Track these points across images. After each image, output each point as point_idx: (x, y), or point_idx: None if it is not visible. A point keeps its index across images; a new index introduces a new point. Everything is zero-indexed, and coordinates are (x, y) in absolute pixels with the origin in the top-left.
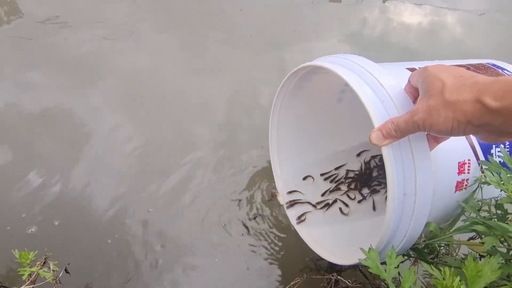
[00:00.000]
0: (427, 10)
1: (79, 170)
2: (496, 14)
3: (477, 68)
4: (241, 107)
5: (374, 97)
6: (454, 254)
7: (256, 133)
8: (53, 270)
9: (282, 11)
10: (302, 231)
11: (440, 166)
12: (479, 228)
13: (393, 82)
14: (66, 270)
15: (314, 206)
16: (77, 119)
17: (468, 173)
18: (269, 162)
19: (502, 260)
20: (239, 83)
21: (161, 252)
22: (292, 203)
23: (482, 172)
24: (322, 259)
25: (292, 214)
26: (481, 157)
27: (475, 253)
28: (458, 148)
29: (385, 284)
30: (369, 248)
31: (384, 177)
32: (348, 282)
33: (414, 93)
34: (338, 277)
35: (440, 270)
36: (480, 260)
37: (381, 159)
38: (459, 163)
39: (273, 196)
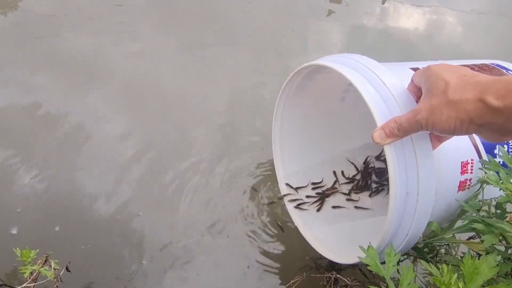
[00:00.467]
0: (426, 10)
1: (80, 170)
2: (496, 14)
3: (481, 68)
4: (242, 107)
5: (377, 96)
6: (454, 253)
7: (257, 133)
8: (54, 269)
9: (282, 12)
10: (304, 229)
11: (443, 166)
12: (478, 226)
13: (396, 81)
14: (67, 269)
15: (322, 195)
16: (77, 119)
17: (471, 173)
18: (269, 162)
19: (501, 259)
20: (240, 83)
21: (162, 252)
22: (294, 201)
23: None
24: (322, 257)
25: (295, 216)
26: (484, 157)
27: (473, 251)
28: (461, 147)
29: (385, 283)
30: (368, 245)
31: (387, 176)
32: (348, 280)
33: (417, 92)
34: (338, 275)
35: (438, 268)
36: (479, 258)
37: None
38: (462, 162)
39: (278, 199)
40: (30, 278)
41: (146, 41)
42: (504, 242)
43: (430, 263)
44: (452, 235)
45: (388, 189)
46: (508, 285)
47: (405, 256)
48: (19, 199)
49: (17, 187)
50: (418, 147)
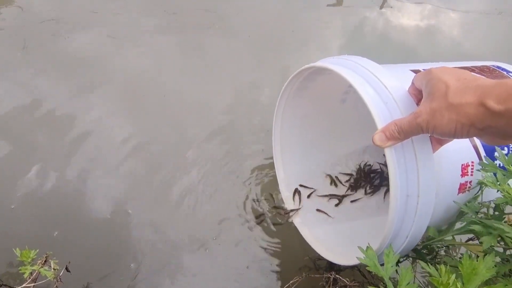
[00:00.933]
0: (426, 10)
1: (80, 170)
2: (496, 14)
3: (482, 70)
4: (242, 107)
5: (377, 99)
6: (454, 254)
7: (257, 133)
8: (54, 269)
9: (282, 12)
10: (304, 229)
11: (443, 168)
12: (476, 228)
13: (396, 84)
14: (67, 269)
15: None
16: (77, 119)
17: (471, 175)
18: (270, 163)
19: (499, 260)
20: (239, 83)
21: (162, 252)
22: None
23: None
24: (321, 258)
25: (297, 220)
26: (484, 160)
27: (471, 252)
28: (462, 150)
29: (384, 284)
30: (367, 246)
31: (387, 178)
32: (347, 281)
33: (417, 95)
34: (337, 276)
35: (437, 269)
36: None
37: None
38: (462, 165)
39: (285, 213)
40: (30, 278)
41: (147, 41)
42: (502, 243)
43: (429, 264)
44: (451, 237)
45: (388, 190)
46: (506, 285)
47: (405, 257)
48: (19, 199)
49: (17, 187)
50: (419, 150)
